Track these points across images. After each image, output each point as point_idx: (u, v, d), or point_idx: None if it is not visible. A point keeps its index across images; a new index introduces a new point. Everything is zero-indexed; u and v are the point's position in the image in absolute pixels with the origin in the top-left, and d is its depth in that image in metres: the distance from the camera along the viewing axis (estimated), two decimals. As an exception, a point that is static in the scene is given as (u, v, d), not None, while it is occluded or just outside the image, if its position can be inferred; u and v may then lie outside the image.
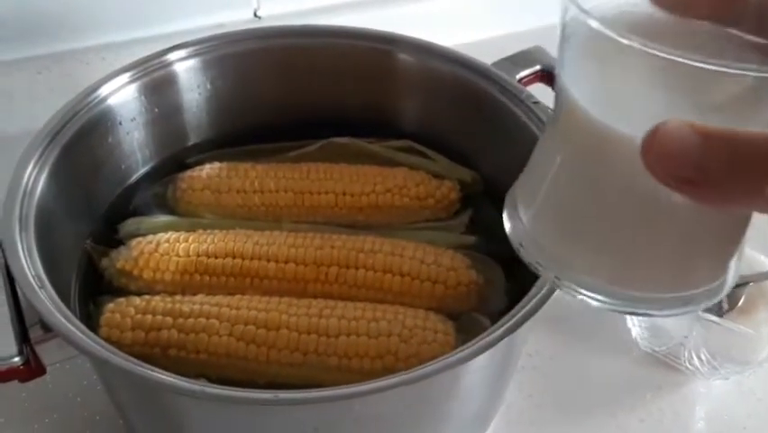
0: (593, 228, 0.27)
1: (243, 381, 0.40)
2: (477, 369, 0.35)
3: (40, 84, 0.66)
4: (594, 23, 0.23)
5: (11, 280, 0.36)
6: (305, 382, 0.40)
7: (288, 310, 0.41)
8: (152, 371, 0.31)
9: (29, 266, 0.36)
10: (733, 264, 0.27)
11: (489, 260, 0.46)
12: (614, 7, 0.25)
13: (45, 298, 0.34)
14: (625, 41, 0.22)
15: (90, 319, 0.42)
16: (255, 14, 0.73)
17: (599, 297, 0.27)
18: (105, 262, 0.45)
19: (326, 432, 0.35)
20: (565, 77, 0.26)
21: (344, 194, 0.50)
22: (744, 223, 0.27)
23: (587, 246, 0.27)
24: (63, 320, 0.33)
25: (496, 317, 0.42)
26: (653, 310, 0.27)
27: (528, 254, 0.29)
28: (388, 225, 0.50)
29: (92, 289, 0.45)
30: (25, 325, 0.35)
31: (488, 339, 0.32)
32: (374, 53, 0.52)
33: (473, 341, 0.32)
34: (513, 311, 0.34)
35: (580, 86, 0.25)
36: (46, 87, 0.66)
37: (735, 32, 0.25)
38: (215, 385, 0.31)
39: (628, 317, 0.51)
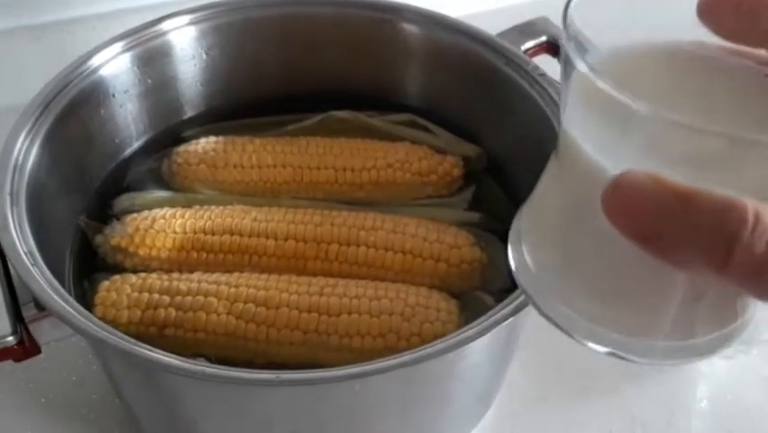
0: (597, 276, 0.25)
1: (242, 360, 0.39)
2: (481, 349, 0.34)
3: (29, 54, 0.64)
4: (585, 69, 0.21)
5: (2, 257, 0.35)
6: (305, 361, 0.39)
7: (288, 288, 0.40)
8: (150, 351, 0.30)
9: (21, 242, 0.34)
10: (749, 308, 0.26)
11: (492, 237, 0.45)
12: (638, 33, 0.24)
13: (38, 275, 0.33)
14: (618, 97, 0.20)
15: (85, 297, 0.41)
16: (251, -17, 0.71)
17: (604, 345, 0.25)
18: (99, 239, 0.44)
19: (327, 410, 0.35)
20: (566, 116, 0.24)
21: (344, 169, 0.48)
22: None
23: (591, 294, 0.26)
24: (57, 298, 0.32)
25: (499, 296, 0.42)
26: (664, 360, 0.26)
27: (535, 299, 0.27)
28: (389, 201, 0.49)
29: (86, 266, 0.44)
30: (18, 303, 0.34)
31: (492, 320, 0.31)
32: (376, 23, 0.50)
33: (478, 321, 0.32)
34: (518, 291, 0.33)
35: (581, 128, 0.23)
36: (35, 57, 0.64)
37: None
38: (215, 366, 0.30)
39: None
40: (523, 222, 0.29)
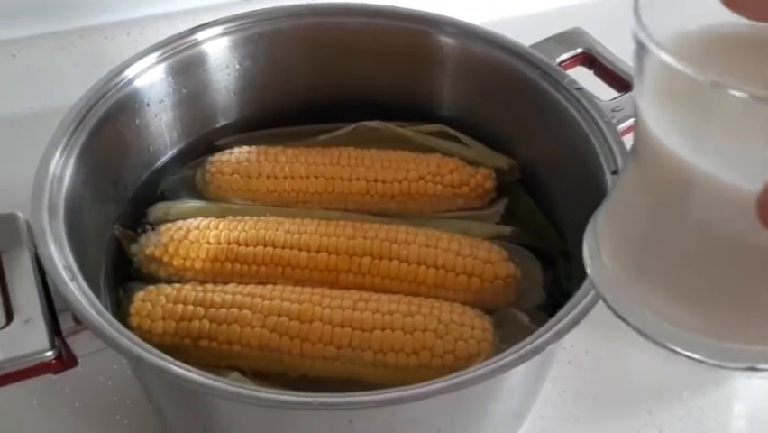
0: (687, 278, 0.25)
1: (276, 372, 0.39)
2: (520, 371, 0.34)
3: (64, 59, 0.64)
4: (668, 59, 0.20)
5: (41, 272, 0.35)
6: (339, 375, 0.39)
7: (322, 302, 0.40)
8: (187, 370, 0.30)
9: (59, 257, 0.35)
10: None
11: (525, 252, 0.45)
12: (697, 23, 0.23)
13: (76, 290, 0.33)
14: (701, 78, 0.19)
15: (120, 306, 0.42)
16: (283, -11, 0.71)
17: (693, 351, 0.25)
18: (134, 248, 0.44)
19: (361, 425, 0.35)
20: (645, 112, 0.23)
21: (376, 181, 0.48)
22: None
23: (679, 297, 0.25)
24: (96, 316, 0.32)
25: (532, 313, 0.42)
26: (757, 363, 0.25)
27: (617, 305, 0.27)
28: (420, 212, 0.49)
29: (121, 274, 0.44)
30: (57, 317, 0.34)
31: (533, 346, 0.31)
32: (409, 34, 0.50)
33: (518, 346, 0.31)
34: (559, 314, 0.32)
35: (664, 124, 0.23)
36: (71, 62, 0.64)
37: None
38: (251, 387, 0.30)
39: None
40: (601, 227, 0.28)
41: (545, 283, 0.44)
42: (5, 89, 0.64)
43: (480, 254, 0.43)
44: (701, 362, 0.25)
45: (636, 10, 0.22)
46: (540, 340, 0.31)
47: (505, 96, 0.49)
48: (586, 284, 0.34)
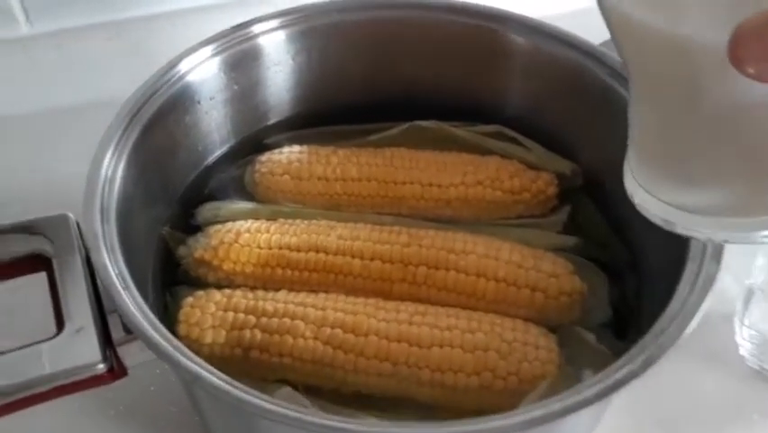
0: (700, 160, 0.25)
1: (328, 388, 0.38)
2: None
3: (109, 51, 0.63)
4: None
5: (93, 277, 0.34)
6: (393, 393, 0.37)
7: (376, 314, 0.38)
8: (247, 393, 0.28)
9: (112, 264, 0.33)
10: None
11: (591, 265, 0.42)
12: None
13: (129, 300, 0.32)
14: None
15: (167, 310, 0.41)
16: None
17: (724, 233, 0.26)
18: (182, 251, 0.43)
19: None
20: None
21: (431, 185, 0.46)
22: None
23: (693, 181, 0.26)
24: (150, 329, 0.31)
25: (598, 331, 0.39)
26: None
27: (644, 208, 0.29)
28: (476, 220, 0.46)
29: (168, 277, 0.43)
30: (109, 328, 0.33)
31: (616, 378, 0.28)
32: (471, 29, 0.47)
33: (592, 380, 0.29)
34: (638, 347, 0.30)
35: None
36: (115, 54, 0.63)
37: None
38: (314, 412, 0.28)
39: (737, 332, 0.46)
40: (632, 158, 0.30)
41: (611, 299, 0.41)
42: (50, 80, 0.63)
43: (543, 267, 0.40)
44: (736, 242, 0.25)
45: None
46: (624, 372, 0.28)
47: (569, 95, 0.46)
48: (670, 310, 0.31)
